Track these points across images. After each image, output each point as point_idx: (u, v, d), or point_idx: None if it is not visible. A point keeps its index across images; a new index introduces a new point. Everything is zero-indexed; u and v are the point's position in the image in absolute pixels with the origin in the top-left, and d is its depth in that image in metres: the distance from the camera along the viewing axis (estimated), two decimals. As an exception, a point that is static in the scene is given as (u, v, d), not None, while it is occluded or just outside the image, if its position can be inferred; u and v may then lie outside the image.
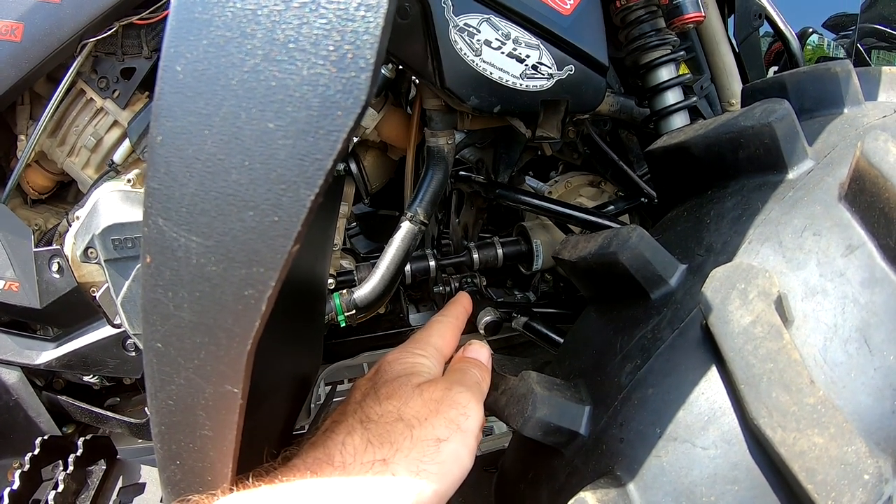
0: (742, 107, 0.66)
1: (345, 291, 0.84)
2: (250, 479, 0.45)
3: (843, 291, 0.51)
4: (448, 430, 0.51)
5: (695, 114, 1.07)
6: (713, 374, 0.51)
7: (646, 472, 0.51)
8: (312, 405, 1.18)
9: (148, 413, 0.47)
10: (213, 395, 0.39)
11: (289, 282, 0.46)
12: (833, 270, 0.51)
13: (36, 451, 0.84)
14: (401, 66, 0.83)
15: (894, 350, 0.48)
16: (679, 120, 0.90)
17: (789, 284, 0.52)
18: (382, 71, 0.85)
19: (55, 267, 0.82)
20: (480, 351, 0.63)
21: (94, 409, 0.94)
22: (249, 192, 0.32)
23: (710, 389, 0.51)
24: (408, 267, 0.98)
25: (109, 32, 0.80)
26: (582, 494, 0.50)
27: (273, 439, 0.60)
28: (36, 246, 0.84)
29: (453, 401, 0.53)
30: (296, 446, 0.52)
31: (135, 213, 0.77)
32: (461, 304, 0.71)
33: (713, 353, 0.51)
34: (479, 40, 0.74)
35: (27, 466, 0.82)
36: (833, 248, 0.52)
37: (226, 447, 0.41)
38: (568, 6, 0.77)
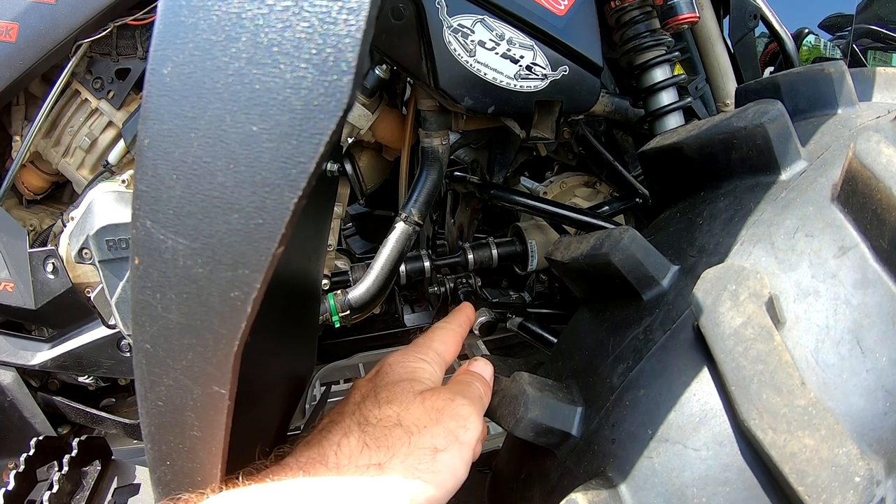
0: (736, 107, 0.66)
1: (339, 292, 0.84)
2: (240, 478, 0.45)
3: (835, 293, 0.50)
4: (446, 441, 0.51)
5: (689, 114, 1.07)
6: (705, 375, 0.51)
7: (637, 473, 0.51)
8: (307, 406, 1.18)
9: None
10: (201, 396, 0.39)
11: (282, 282, 0.46)
12: (825, 272, 0.51)
13: (31, 452, 0.84)
14: (395, 67, 0.83)
15: (887, 352, 0.48)
16: (674, 121, 0.90)
17: (781, 286, 0.52)
18: (377, 72, 0.85)
19: (50, 267, 0.82)
20: (485, 368, 0.64)
21: (89, 409, 0.94)
22: (234, 195, 0.32)
23: (701, 391, 0.51)
24: (403, 267, 0.98)
25: (104, 33, 0.80)
26: (573, 495, 0.50)
27: (268, 439, 0.60)
28: (31, 247, 0.84)
29: (455, 412, 0.53)
30: (289, 445, 0.52)
31: (129, 214, 0.77)
32: (464, 313, 0.72)
33: (705, 354, 0.51)
34: (473, 41, 0.74)
35: (22, 467, 0.82)
36: (825, 249, 0.52)
37: (215, 447, 0.41)
38: (562, 7, 0.77)
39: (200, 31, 0.32)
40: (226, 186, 0.32)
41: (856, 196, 0.52)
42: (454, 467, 0.50)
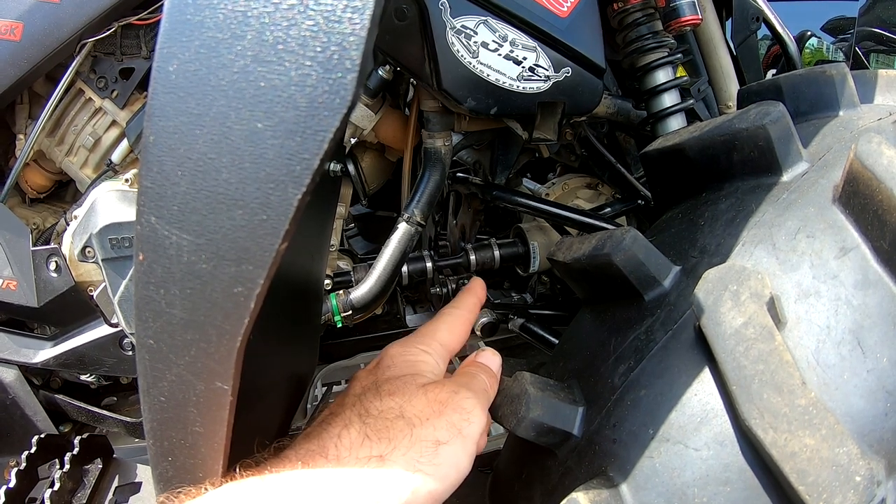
0: (738, 109, 0.66)
1: (341, 292, 0.84)
2: (238, 470, 0.45)
3: (836, 293, 0.51)
4: (449, 434, 0.50)
5: (692, 116, 1.08)
6: (706, 375, 0.51)
7: (638, 472, 0.51)
8: (309, 406, 1.18)
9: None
10: (203, 391, 0.39)
11: (285, 281, 0.46)
12: (826, 272, 0.51)
13: (32, 450, 0.85)
14: (398, 68, 0.83)
15: (887, 352, 0.48)
16: (676, 122, 0.90)
17: (782, 286, 0.52)
18: (380, 72, 0.85)
19: (53, 266, 0.83)
20: (492, 359, 0.63)
21: (90, 408, 0.94)
22: (239, 191, 0.32)
23: (702, 391, 0.51)
24: (405, 268, 0.98)
25: (108, 32, 0.81)
26: (574, 495, 0.50)
27: (269, 438, 0.60)
28: (34, 245, 0.84)
29: (458, 405, 0.52)
30: (289, 438, 0.52)
31: (132, 213, 0.77)
32: (474, 294, 0.69)
33: (706, 354, 0.51)
34: (476, 42, 0.74)
35: (24, 465, 0.82)
36: (826, 250, 0.52)
37: (217, 444, 0.41)
38: (565, 8, 0.77)
39: (206, 29, 0.32)
40: (230, 183, 0.33)
41: (857, 197, 0.52)
42: (457, 460, 0.49)
